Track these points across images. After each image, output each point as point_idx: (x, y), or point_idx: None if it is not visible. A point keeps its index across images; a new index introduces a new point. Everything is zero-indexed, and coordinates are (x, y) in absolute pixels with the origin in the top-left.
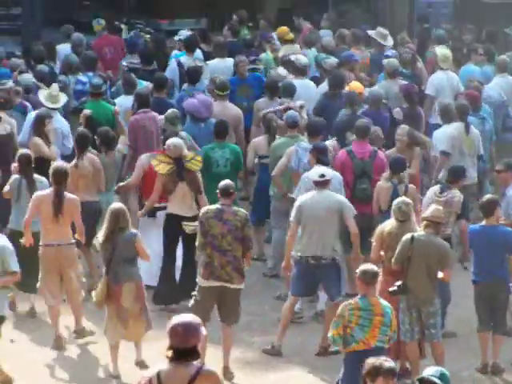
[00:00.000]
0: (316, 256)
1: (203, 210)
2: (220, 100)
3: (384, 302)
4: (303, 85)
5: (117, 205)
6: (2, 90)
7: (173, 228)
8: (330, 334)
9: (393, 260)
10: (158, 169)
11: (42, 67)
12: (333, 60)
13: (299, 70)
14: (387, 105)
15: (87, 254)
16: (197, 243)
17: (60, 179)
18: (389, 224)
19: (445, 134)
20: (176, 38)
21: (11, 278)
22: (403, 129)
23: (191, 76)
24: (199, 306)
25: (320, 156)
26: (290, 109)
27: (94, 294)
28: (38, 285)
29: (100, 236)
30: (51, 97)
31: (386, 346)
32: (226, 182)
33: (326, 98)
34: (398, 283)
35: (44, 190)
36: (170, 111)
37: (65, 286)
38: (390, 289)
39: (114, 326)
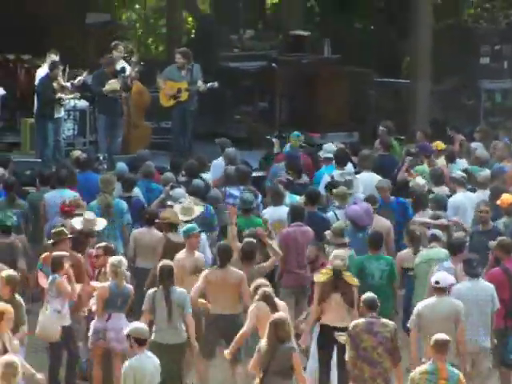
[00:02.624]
0: None
1: (353, 324)
2: None
3: (452, 369)
4: (465, 196)
5: (279, 314)
6: None
7: (326, 338)
8: None
9: None
10: (316, 279)
11: (198, 182)
12: (486, 172)
13: (458, 181)
14: None
15: None
16: (347, 357)
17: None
18: None
19: None
20: (321, 153)
21: None
22: None
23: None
24: None
25: (469, 269)
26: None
27: None
28: None
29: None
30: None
31: None
32: (371, 295)
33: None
34: None
35: (183, 300)
36: (336, 224)
37: None
38: None
39: None
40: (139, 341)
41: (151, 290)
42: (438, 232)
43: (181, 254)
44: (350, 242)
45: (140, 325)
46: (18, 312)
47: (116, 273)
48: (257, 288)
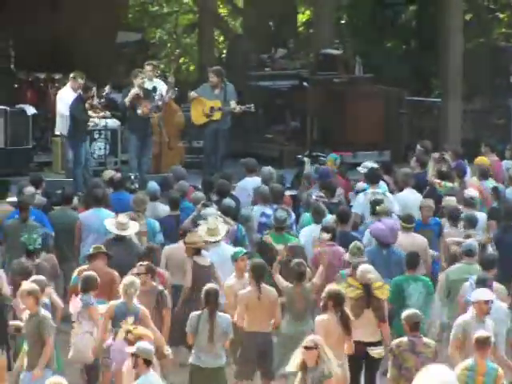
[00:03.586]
0: None
1: (395, 342)
2: (406, 231)
3: (491, 364)
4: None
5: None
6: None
7: (357, 354)
8: None
9: None
10: (346, 291)
11: (228, 201)
12: None
13: (465, 201)
14: None
15: None
16: (388, 376)
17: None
18: None
19: None
20: (360, 169)
21: None
22: None
23: (372, 209)
24: None
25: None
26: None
27: None
28: None
29: None
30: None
31: None
32: (414, 313)
33: (501, 230)
34: None
35: (226, 325)
36: (352, 244)
37: None
38: None
39: None
40: (147, 362)
41: (196, 313)
42: (473, 247)
43: (231, 280)
44: (374, 259)
45: (147, 345)
46: (42, 326)
47: (126, 292)
48: (330, 296)
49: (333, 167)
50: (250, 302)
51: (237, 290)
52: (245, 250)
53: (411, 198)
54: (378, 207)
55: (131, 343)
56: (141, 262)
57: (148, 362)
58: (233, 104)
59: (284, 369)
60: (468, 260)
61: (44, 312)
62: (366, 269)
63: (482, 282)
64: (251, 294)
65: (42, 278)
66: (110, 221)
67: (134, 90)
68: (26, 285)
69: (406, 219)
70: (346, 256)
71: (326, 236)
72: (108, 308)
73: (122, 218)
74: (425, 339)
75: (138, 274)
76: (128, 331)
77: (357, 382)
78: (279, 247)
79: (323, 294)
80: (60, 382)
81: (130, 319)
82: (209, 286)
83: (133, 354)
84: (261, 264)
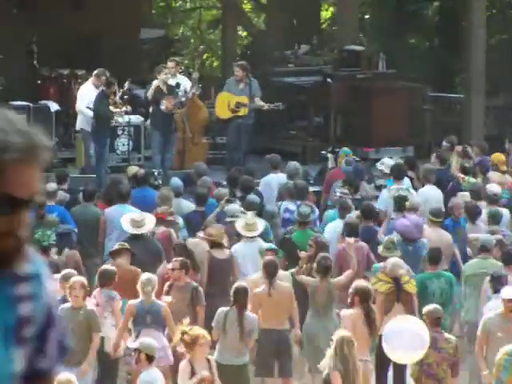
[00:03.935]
0: None
1: None
2: (433, 226)
3: None
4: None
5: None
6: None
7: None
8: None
9: None
10: (376, 286)
11: (253, 197)
12: None
13: (489, 198)
14: None
15: None
16: (410, 371)
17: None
18: None
19: None
20: (378, 166)
21: None
22: None
23: (397, 204)
24: None
25: (497, 286)
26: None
27: None
28: None
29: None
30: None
31: None
32: (435, 308)
33: None
34: None
35: (253, 325)
36: (386, 238)
37: None
38: None
39: None
40: (150, 357)
41: (222, 310)
42: (487, 242)
43: (256, 275)
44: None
45: (151, 341)
46: (93, 320)
47: (143, 290)
48: (357, 292)
49: (344, 161)
50: (262, 299)
51: (259, 285)
52: (273, 246)
53: (431, 194)
54: (407, 203)
55: (188, 344)
56: (175, 258)
57: (150, 358)
58: (260, 101)
59: (306, 365)
60: (484, 255)
61: (91, 306)
62: (396, 263)
63: (496, 279)
64: (263, 291)
65: (73, 271)
66: (125, 219)
67: (156, 82)
68: (78, 277)
69: (436, 213)
70: (379, 250)
71: (351, 240)
72: (128, 307)
73: (137, 215)
74: (446, 335)
75: (172, 270)
76: (184, 332)
77: (385, 377)
78: (302, 254)
79: (350, 290)
80: (69, 379)
81: (186, 320)
82: (238, 283)
83: (135, 350)
84: (272, 261)
